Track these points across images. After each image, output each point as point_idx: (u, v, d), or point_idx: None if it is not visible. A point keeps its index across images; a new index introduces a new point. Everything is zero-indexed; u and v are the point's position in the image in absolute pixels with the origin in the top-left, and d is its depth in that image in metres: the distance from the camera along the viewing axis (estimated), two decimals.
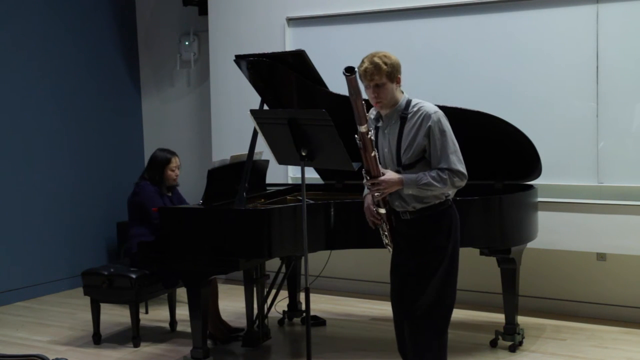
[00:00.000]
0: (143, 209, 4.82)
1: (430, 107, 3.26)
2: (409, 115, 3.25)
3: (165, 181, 4.92)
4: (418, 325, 3.31)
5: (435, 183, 3.18)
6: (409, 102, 3.29)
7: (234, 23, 6.24)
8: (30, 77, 6.22)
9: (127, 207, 4.96)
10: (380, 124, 3.36)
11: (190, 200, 5.25)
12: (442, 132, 3.20)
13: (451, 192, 3.33)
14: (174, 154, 4.98)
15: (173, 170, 4.94)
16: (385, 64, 3.21)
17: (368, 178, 3.23)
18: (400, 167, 3.27)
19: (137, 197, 4.87)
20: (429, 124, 3.20)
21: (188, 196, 5.47)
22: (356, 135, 3.20)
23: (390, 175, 3.23)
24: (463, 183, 3.24)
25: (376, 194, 3.26)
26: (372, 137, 3.20)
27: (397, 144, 3.27)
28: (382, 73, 3.21)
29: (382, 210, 3.36)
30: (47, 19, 6.35)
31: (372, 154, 3.21)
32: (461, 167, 3.21)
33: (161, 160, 4.92)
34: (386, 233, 3.43)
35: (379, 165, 3.25)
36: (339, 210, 4.25)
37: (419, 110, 3.24)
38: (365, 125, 3.17)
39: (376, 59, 3.22)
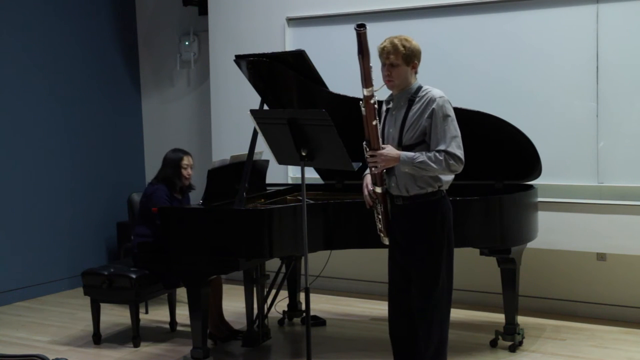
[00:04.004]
0: (150, 212, 4.80)
1: (437, 92, 3.37)
2: (417, 99, 3.36)
3: (179, 179, 4.88)
4: (424, 315, 3.41)
5: (430, 163, 3.26)
6: (420, 87, 3.41)
7: (234, 23, 6.24)
8: (30, 77, 6.21)
9: (139, 205, 4.94)
10: (390, 106, 3.46)
11: (191, 201, 5.24)
12: (446, 116, 3.31)
13: (444, 182, 3.37)
14: (186, 152, 4.94)
15: (185, 168, 4.90)
16: (404, 46, 3.33)
17: (367, 149, 3.32)
18: (400, 148, 3.35)
19: (148, 199, 4.84)
20: (433, 106, 3.31)
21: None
22: (360, 102, 3.27)
23: (389, 149, 3.32)
24: (459, 168, 3.31)
25: (373, 167, 3.35)
26: (376, 105, 3.28)
27: (401, 125, 3.37)
28: (399, 54, 3.32)
29: (379, 189, 3.43)
30: (47, 19, 6.34)
31: (374, 123, 3.29)
32: (459, 152, 3.29)
33: (175, 159, 4.90)
34: (380, 216, 3.49)
35: (380, 138, 3.32)
36: (338, 210, 4.25)
37: (426, 94, 3.35)
38: (370, 89, 3.25)
39: (396, 40, 3.35)
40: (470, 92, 5.21)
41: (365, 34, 3.20)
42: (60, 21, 6.47)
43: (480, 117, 4.37)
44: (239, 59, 4.44)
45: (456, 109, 4.18)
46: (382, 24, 5.56)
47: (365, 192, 3.54)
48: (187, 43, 6.93)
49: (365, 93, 3.24)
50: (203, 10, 6.63)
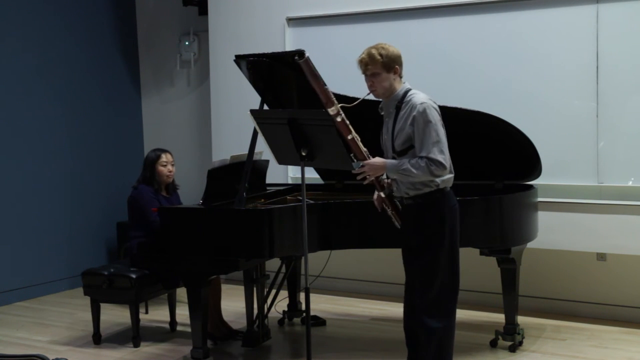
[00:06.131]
0: (141, 212, 4.81)
1: (419, 98, 3.38)
2: (403, 105, 3.41)
3: (157, 178, 4.90)
4: (421, 315, 3.46)
5: (412, 169, 3.31)
6: (406, 92, 3.44)
7: (234, 23, 6.24)
8: (30, 77, 6.21)
9: (127, 208, 4.96)
10: (383, 113, 3.53)
11: (191, 201, 5.24)
12: (427, 122, 3.32)
13: (440, 181, 3.39)
14: (164, 150, 4.97)
15: (164, 166, 4.89)
16: (380, 54, 3.38)
17: (355, 161, 3.40)
18: (395, 154, 3.43)
19: (135, 200, 4.86)
20: (414, 113, 3.34)
21: (188, 196, 5.47)
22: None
23: (375, 159, 3.41)
24: (442, 173, 3.34)
25: (364, 177, 3.42)
26: (347, 121, 3.37)
27: (392, 132, 3.44)
28: (377, 63, 3.38)
29: (382, 194, 3.53)
30: (47, 19, 6.34)
31: (349, 137, 3.39)
32: (440, 157, 3.30)
33: (151, 158, 4.92)
34: (392, 218, 3.59)
35: (361, 148, 3.41)
36: (338, 210, 4.25)
37: (410, 100, 3.39)
38: (334, 108, 3.35)
39: (372, 50, 3.41)
40: (470, 92, 5.21)
41: (305, 61, 3.34)
42: (60, 21, 6.46)
43: (480, 116, 4.37)
44: (239, 59, 4.44)
45: (456, 109, 4.22)
46: (382, 24, 5.57)
47: (374, 197, 3.64)
48: (187, 43, 6.93)
49: (330, 113, 3.34)
50: (203, 10, 6.63)
